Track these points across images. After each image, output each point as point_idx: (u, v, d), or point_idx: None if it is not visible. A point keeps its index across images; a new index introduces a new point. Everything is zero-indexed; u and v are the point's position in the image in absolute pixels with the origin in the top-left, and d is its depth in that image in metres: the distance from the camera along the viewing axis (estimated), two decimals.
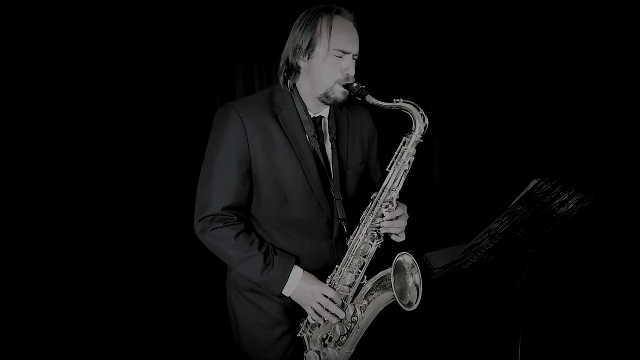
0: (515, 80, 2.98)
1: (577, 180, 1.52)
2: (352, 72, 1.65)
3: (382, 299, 1.66)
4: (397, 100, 1.60)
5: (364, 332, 1.72)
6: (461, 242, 1.70)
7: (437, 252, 1.77)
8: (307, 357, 1.72)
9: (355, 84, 1.63)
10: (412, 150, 1.64)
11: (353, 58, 1.65)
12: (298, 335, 1.74)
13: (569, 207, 1.63)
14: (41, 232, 2.54)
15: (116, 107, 2.74)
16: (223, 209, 1.64)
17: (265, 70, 3.01)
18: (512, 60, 2.97)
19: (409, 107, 1.60)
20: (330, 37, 1.60)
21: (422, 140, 1.64)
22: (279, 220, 1.70)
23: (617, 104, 2.73)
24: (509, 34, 2.95)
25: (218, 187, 1.64)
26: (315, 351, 1.71)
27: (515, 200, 1.52)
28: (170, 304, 2.88)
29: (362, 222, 1.68)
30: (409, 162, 1.65)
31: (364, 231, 1.67)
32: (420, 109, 1.61)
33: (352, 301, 1.70)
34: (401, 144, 1.65)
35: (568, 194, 1.55)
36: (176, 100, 2.86)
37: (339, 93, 1.65)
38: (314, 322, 1.71)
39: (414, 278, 1.67)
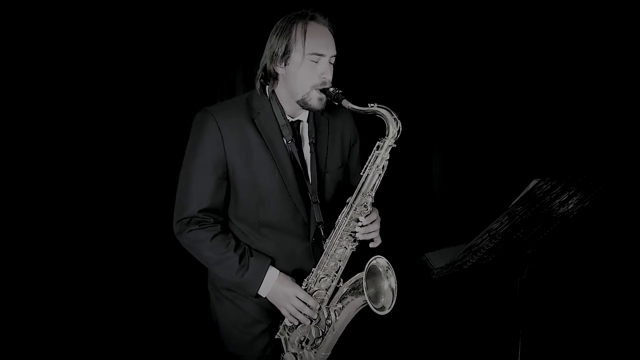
0: (515, 81, 2.98)
1: (577, 180, 1.52)
2: (329, 76, 1.65)
3: (356, 303, 1.67)
4: (372, 104, 1.61)
5: (339, 335, 1.73)
6: (461, 242, 1.70)
7: (437, 252, 1.77)
8: (284, 359, 1.74)
9: (332, 89, 1.63)
10: (386, 155, 1.64)
11: (330, 62, 1.66)
12: (276, 337, 1.76)
13: (569, 207, 1.63)
14: (28, 232, 2.54)
15: (116, 108, 2.74)
16: (199, 211, 1.67)
17: None
18: (511, 60, 2.97)
19: (383, 111, 1.60)
20: (305, 42, 1.61)
21: (395, 145, 1.64)
22: (255, 221, 1.73)
23: (617, 104, 2.73)
24: (508, 35, 2.95)
25: (195, 190, 1.67)
26: (293, 353, 1.73)
27: (515, 200, 1.52)
28: (157, 303, 2.88)
29: (337, 226, 1.69)
30: (383, 167, 1.65)
31: (339, 235, 1.68)
32: (393, 113, 1.60)
33: (327, 304, 1.71)
34: (375, 148, 1.66)
35: (568, 194, 1.55)
36: (177, 100, 2.86)
37: (315, 100, 1.65)
38: (291, 324, 1.73)
39: (390, 282, 1.67)
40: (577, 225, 1.79)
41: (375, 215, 1.71)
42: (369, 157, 1.66)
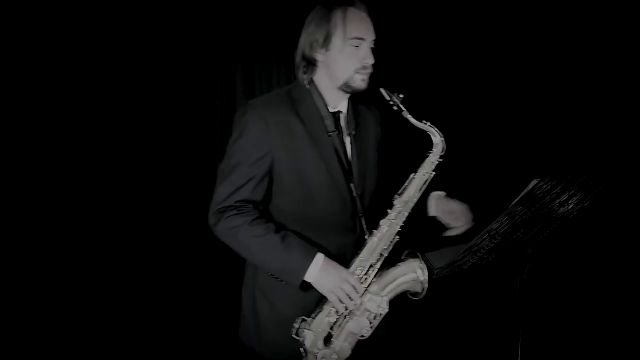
0: (515, 80, 2.98)
1: (577, 180, 1.52)
2: (370, 60, 1.68)
3: (399, 290, 1.72)
4: (426, 122, 1.69)
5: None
6: (461, 242, 1.70)
7: (437, 252, 1.77)
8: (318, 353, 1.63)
9: (401, 96, 1.68)
10: (434, 164, 1.74)
11: (369, 46, 1.68)
12: (294, 335, 1.64)
13: (569, 207, 1.63)
14: (48, 234, 2.56)
15: (117, 109, 2.75)
16: (237, 201, 1.65)
17: (265, 73, 3.02)
18: (512, 60, 2.97)
19: (433, 130, 1.71)
20: (345, 27, 1.64)
21: (441, 160, 1.74)
22: (305, 216, 1.70)
23: (617, 104, 2.73)
24: (509, 34, 2.95)
25: (235, 183, 1.64)
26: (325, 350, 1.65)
27: (515, 200, 1.52)
28: (181, 306, 2.90)
29: (393, 219, 1.70)
30: (430, 173, 1.74)
31: (393, 227, 1.70)
32: (442, 135, 1.71)
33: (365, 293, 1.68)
34: (426, 157, 1.75)
35: (568, 194, 1.55)
36: (177, 102, 2.86)
37: (359, 81, 1.68)
38: (337, 315, 1.65)
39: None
40: (577, 225, 1.79)
41: (456, 205, 1.82)
42: (422, 163, 1.74)
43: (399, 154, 1.94)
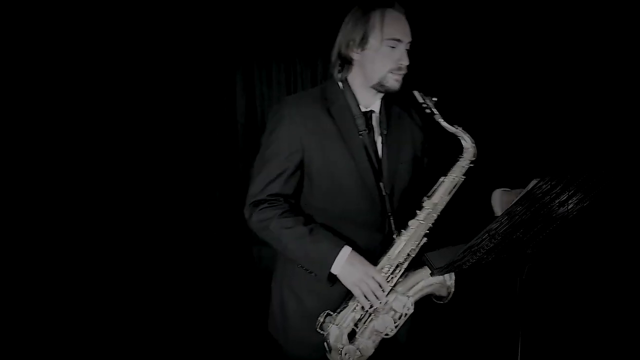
0: (515, 80, 2.98)
1: (577, 180, 1.52)
2: (405, 62, 1.70)
3: (424, 292, 1.75)
4: (457, 127, 1.73)
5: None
6: (461, 242, 1.70)
7: (437, 252, 1.77)
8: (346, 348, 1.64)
9: (434, 100, 1.71)
10: (464, 169, 1.78)
11: (405, 48, 1.70)
12: (319, 329, 1.65)
13: (569, 207, 1.62)
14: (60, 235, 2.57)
15: (116, 110, 2.75)
16: (269, 195, 1.70)
17: (265, 73, 3.02)
18: (512, 60, 2.97)
19: (464, 135, 1.74)
20: (383, 28, 1.66)
21: (472, 165, 1.78)
22: (333, 212, 1.74)
23: (617, 104, 2.72)
24: (509, 34, 2.95)
25: (268, 176, 1.69)
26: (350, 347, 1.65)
27: (515, 200, 1.52)
28: (213, 299, 2.96)
29: (422, 220, 1.72)
30: (460, 177, 1.78)
31: (421, 228, 1.72)
32: (473, 142, 1.75)
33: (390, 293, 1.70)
34: (456, 161, 1.78)
35: (568, 194, 1.55)
36: (177, 102, 2.87)
37: (392, 81, 1.71)
38: (361, 312, 1.67)
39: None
40: (577, 225, 1.79)
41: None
42: (452, 167, 1.78)
43: (433, 156, 1.96)
